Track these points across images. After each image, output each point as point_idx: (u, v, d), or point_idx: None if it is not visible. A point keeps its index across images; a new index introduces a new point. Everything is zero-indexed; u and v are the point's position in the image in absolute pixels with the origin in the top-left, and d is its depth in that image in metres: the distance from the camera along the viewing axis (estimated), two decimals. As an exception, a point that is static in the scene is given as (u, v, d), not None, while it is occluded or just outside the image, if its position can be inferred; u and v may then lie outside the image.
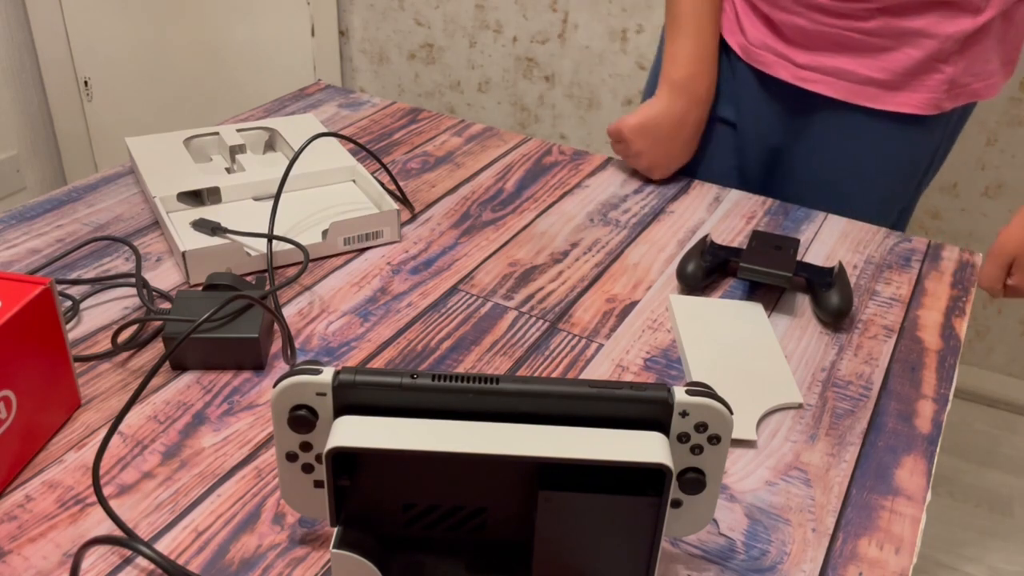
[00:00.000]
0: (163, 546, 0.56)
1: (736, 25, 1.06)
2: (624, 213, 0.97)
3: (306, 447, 0.51)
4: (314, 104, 1.18)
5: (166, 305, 0.78)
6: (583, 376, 0.72)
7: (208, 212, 0.88)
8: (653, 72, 1.18)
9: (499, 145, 1.11)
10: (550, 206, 0.97)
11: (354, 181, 0.96)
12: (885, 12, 0.94)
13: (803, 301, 0.83)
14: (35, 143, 2.43)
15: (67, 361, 0.64)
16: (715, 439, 0.49)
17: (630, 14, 2.00)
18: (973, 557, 1.64)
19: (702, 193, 1.02)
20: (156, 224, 0.90)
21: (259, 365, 0.71)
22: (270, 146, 1.04)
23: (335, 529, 0.50)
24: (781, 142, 1.09)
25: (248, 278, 0.82)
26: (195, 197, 0.90)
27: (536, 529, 0.48)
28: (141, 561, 0.54)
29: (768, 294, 0.84)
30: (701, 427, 0.49)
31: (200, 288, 0.80)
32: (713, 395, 0.48)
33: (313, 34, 2.26)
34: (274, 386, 0.49)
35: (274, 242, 0.83)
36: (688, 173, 1.13)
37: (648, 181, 1.04)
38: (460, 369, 0.72)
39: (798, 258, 0.90)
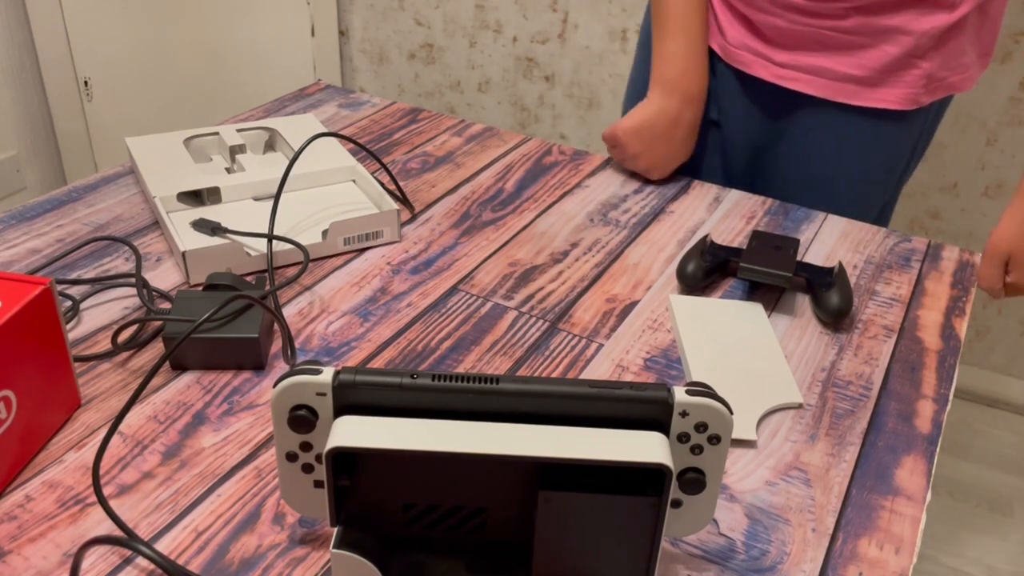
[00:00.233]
0: (163, 546, 0.56)
1: (715, 26, 1.07)
2: (624, 213, 0.97)
3: (306, 447, 0.51)
4: (314, 104, 1.18)
5: (166, 305, 0.78)
6: (583, 376, 0.72)
7: (208, 212, 0.88)
8: (632, 78, 1.19)
9: (499, 145, 1.11)
10: (550, 206, 0.97)
11: (354, 181, 0.96)
12: (861, 11, 0.95)
13: (803, 301, 0.83)
14: (35, 143, 2.43)
15: (67, 361, 0.64)
16: (715, 439, 0.49)
17: (630, 14, 2.00)
18: (973, 557, 1.64)
19: (702, 193, 1.02)
20: (156, 224, 0.90)
21: (259, 365, 0.71)
22: (270, 146, 1.04)
23: (335, 529, 0.50)
24: (763, 140, 1.10)
25: (248, 278, 0.82)
26: (195, 197, 0.90)
27: (536, 529, 0.48)
28: (141, 561, 0.54)
29: (768, 294, 0.84)
30: (701, 427, 0.49)
31: (200, 288, 0.80)
32: (713, 395, 0.48)
33: (313, 34, 2.26)
34: (274, 386, 0.49)
35: (274, 242, 0.83)
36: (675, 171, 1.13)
37: (648, 181, 1.04)
38: (460, 369, 0.72)
39: (798, 258, 0.90)
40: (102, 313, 0.77)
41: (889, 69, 0.98)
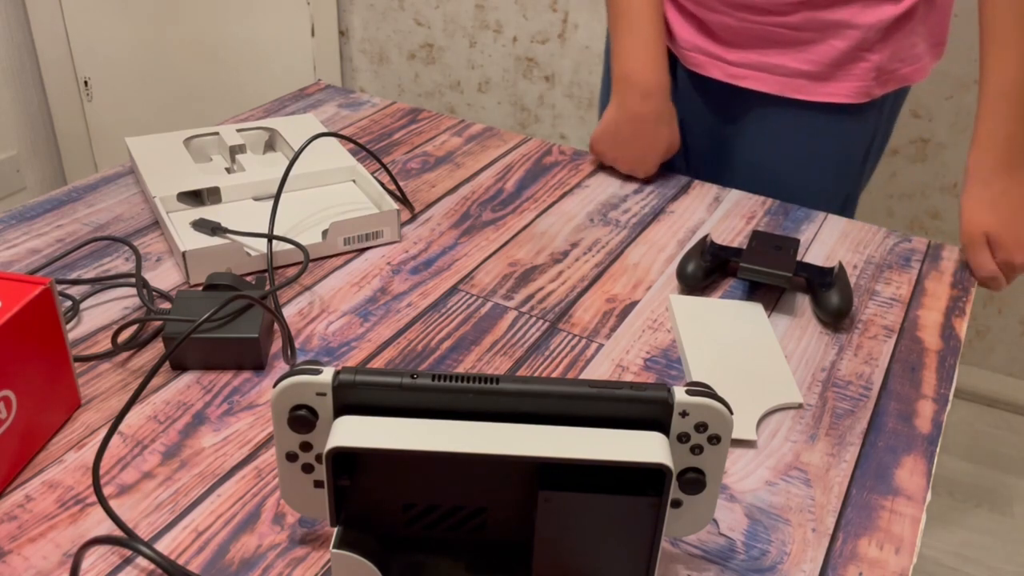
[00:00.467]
0: (163, 546, 0.56)
1: (667, 29, 1.08)
2: (624, 213, 0.97)
3: (306, 447, 0.51)
4: (314, 104, 1.18)
5: (166, 305, 0.78)
6: (583, 376, 0.72)
7: (208, 212, 0.88)
8: (603, 83, 1.21)
9: (499, 145, 1.11)
10: (550, 206, 0.97)
11: (354, 181, 0.96)
12: (807, 6, 0.96)
13: (803, 301, 0.83)
14: (35, 143, 2.43)
15: (67, 361, 0.64)
16: (715, 439, 0.49)
17: (630, 14, 1.99)
18: (973, 557, 1.64)
19: (702, 193, 1.02)
20: (156, 224, 0.90)
21: (259, 365, 0.71)
22: (270, 146, 1.04)
23: (335, 529, 0.50)
24: (721, 139, 1.11)
25: (248, 278, 0.82)
26: (195, 197, 0.90)
27: (536, 529, 0.48)
28: (141, 561, 0.54)
29: (768, 294, 0.84)
30: (701, 427, 0.49)
31: (200, 288, 0.80)
32: (713, 395, 0.48)
33: (313, 34, 2.26)
34: (274, 386, 0.49)
35: (274, 242, 0.83)
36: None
37: (648, 181, 1.04)
38: (460, 369, 0.72)
39: (798, 258, 0.90)
40: (102, 313, 0.77)
41: (838, 63, 0.99)
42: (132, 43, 2.34)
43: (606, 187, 1.02)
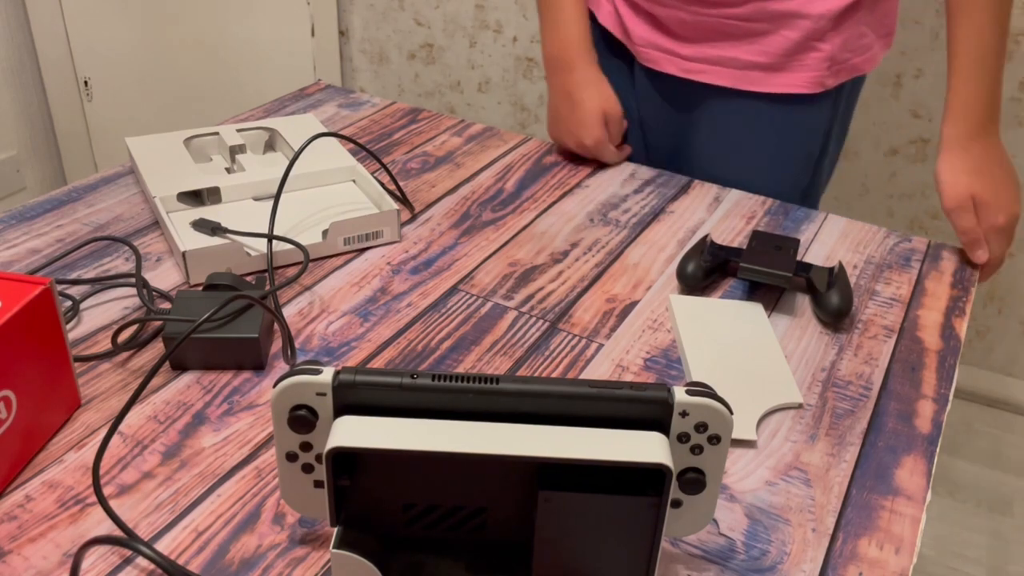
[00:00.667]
0: (163, 546, 0.56)
1: (620, 27, 1.10)
2: (624, 213, 0.97)
3: (306, 447, 0.51)
4: (314, 104, 1.18)
5: (166, 305, 0.78)
6: (583, 376, 0.72)
7: (208, 212, 0.88)
8: None
9: (499, 145, 1.11)
10: (550, 206, 0.97)
11: (354, 181, 0.96)
12: None
13: (803, 301, 0.83)
14: (35, 143, 2.43)
15: (67, 361, 0.64)
16: (715, 439, 0.49)
17: (630, 14, 2.00)
18: (973, 557, 1.64)
19: (702, 193, 1.02)
20: (156, 224, 0.90)
21: (259, 365, 0.71)
22: (270, 146, 1.04)
23: (335, 529, 0.50)
24: (680, 134, 1.12)
25: (248, 278, 0.82)
26: (195, 197, 0.90)
27: (536, 529, 0.48)
28: (141, 561, 0.54)
29: (768, 294, 0.84)
30: (701, 427, 0.49)
31: (200, 288, 0.80)
32: (713, 395, 0.48)
33: (313, 34, 2.26)
34: (274, 386, 0.49)
35: (274, 242, 0.83)
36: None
37: (648, 181, 1.04)
38: (460, 369, 0.72)
39: (798, 258, 0.90)
40: (102, 313, 0.77)
41: (790, 53, 1.00)
42: (132, 43, 2.34)
43: (606, 187, 1.02)
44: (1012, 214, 0.90)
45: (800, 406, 0.70)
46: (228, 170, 0.96)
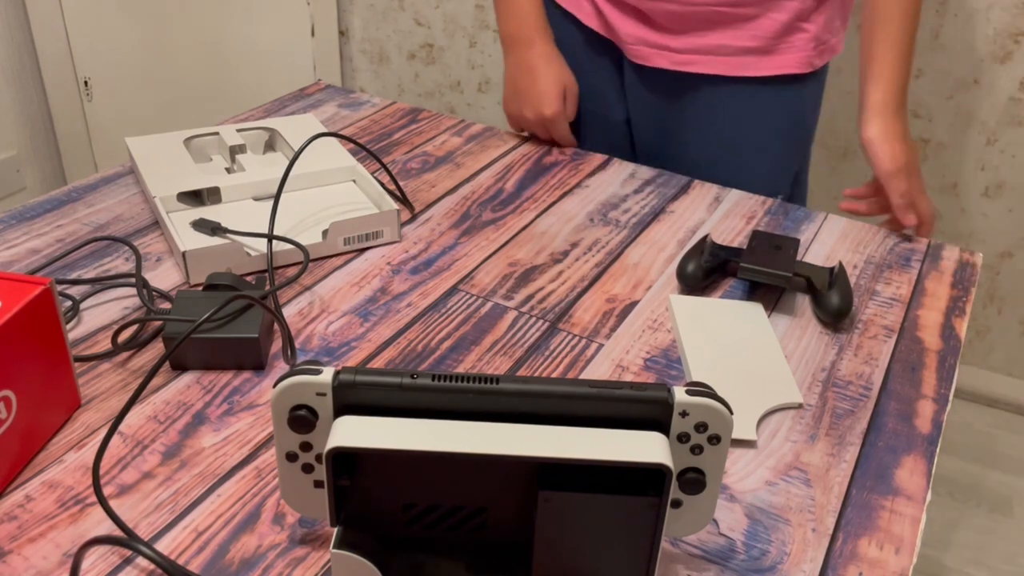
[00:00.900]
0: (163, 546, 0.56)
1: (606, 26, 1.11)
2: (624, 213, 0.97)
3: (306, 447, 0.51)
4: (314, 104, 1.18)
5: (166, 305, 0.78)
6: (583, 376, 0.72)
7: (208, 212, 0.88)
8: None
9: (499, 145, 1.11)
10: (550, 206, 0.97)
11: (354, 181, 0.96)
12: None
13: (803, 301, 0.83)
14: (35, 143, 2.43)
15: (67, 361, 0.64)
16: (715, 439, 0.49)
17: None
18: (973, 557, 1.64)
19: (702, 193, 1.02)
20: (156, 224, 0.90)
21: (259, 365, 0.71)
22: (270, 146, 1.04)
23: (335, 529, 0.50)
24: (671, 127, 1.13)
25: (248, 278, 0.82)
26: (195, 197, 0.90)
27: (536, 529, 0.48)
28: (141, 561, 0.54)
29: (768, 294, 0.84)
30: (701, 427, 0.49)
31: (200, 288, 0.80)
32: (713, 395, 0.48)
33: (313, 34, 2.26)
34: (274, 386, 0.49)
35: (274, 242, 0.83)
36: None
37: (648, 181, 1.04)
38: (460, 369, 0.72)
39: (798, 258, 0.90)
40: (102, 313, 0.77)
41: (780, 35, 1.03)
42: (132, 43, 2.34)
43: (606, 187, 1.02)
44: (921, 177, 0.98)
45: (800, 406, 0.70)
46: (228, 170, 0.96)
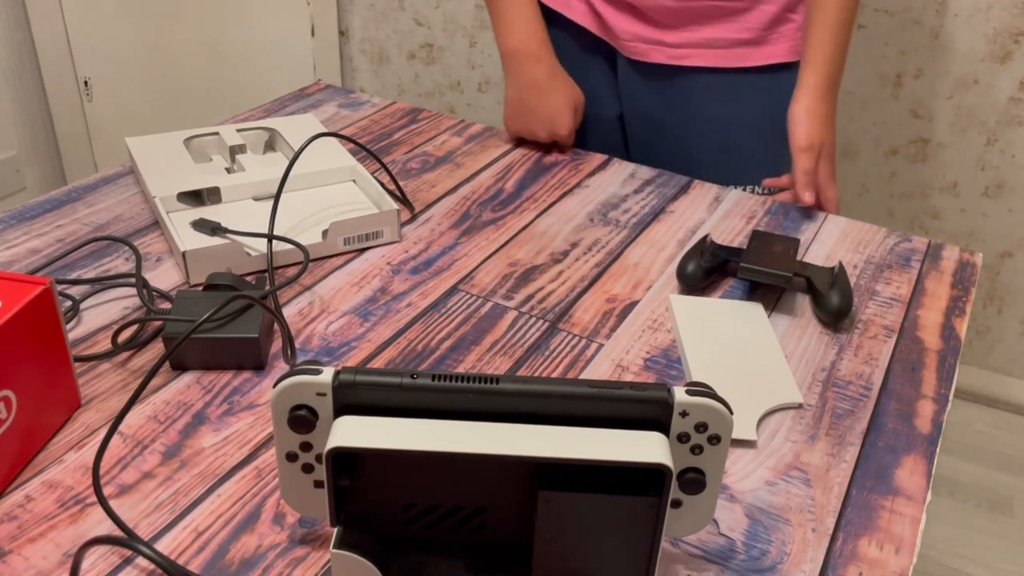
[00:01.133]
0: (163, 546, 0.56)
1: (600, 24, 1.13)
2: (624, 213, 0.97)
3: (306, 447, 0.51)
4: (314, 104, 1.18)
5: (166, 305, 0.78)
6: (583, 376, 0.72)
7: (208, 212, 0.88)
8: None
9: (499, 145, 1.11)
10: (550, 206, 0.97)
11: (354, 181, 0.96)
12: None
13: (803, 301, 0.83)
14: (35, 143, 2.43)
15: (67, 361, 0.64)
16: (715, 439, 0.49)
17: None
18: (973, 557, 1.64)
19: (702, 193, 1.02)
20: (156, 224, 0.90)
21: (259, 365, 0.71)
22: (270, 146, 1.04)
23: (335, 529, 0.50)
24: (668, 119, 1.14)
25: (248, 278, 0.82)
26: (195, 197, 0.90)
27: (536, 529, 0.48)
28: (141, 561, 0.54)
29: (768, 294, 0.84)
30: (701, 427, 0.49)
31: (200, 288, 0.80)
32: (713, 395, 0.48)
33: (313, 34, 2.26)
34: (274, 386, 0.49)
35: (274, 242, 0.83)
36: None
37: (648, 181, 1.04)
38: (460, 369, 0.72)
39: (798, 258, 0.90)
40: (102, 313, 0.77)
41: (770, 26, 1.06)
42: (132, 43, 2.34)
43: (606, 187, 1.02)
44: (835, 164, 1.02)
45: (800, 406, 0.70)
46: (228, 170, 0.96)
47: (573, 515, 0.48)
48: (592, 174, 1.05)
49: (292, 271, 0.84)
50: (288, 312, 0.78)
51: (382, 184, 0.92)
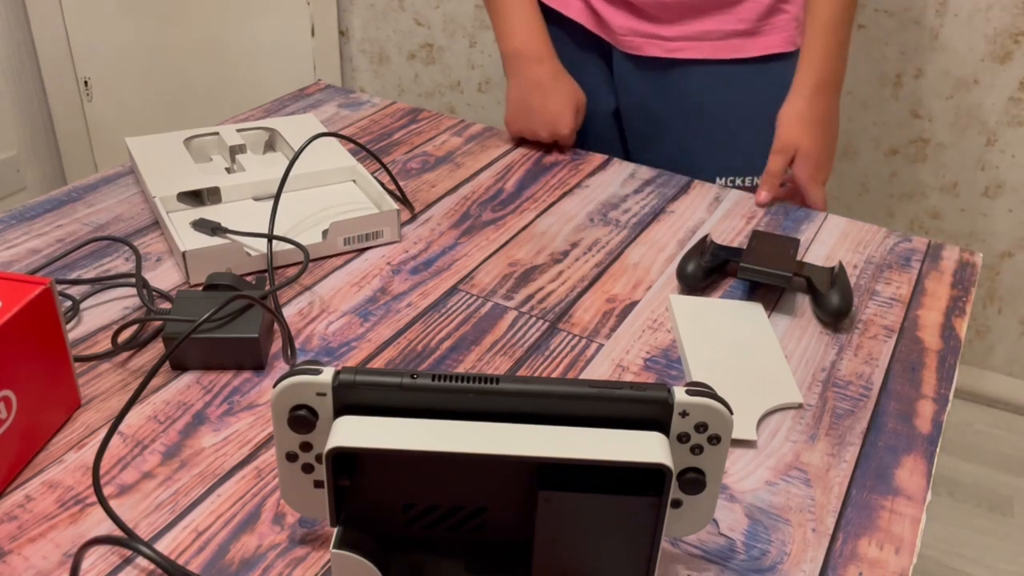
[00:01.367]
0: (163, 546, 0.56)
1: (595, 20, 1.13)
2: (624, 213, 0.97)
3: (306, 447, 0.51)
4: (314, 104, 1.18)
5: (166, 305, 0.78)
6: (583, 376, 0.72)
7: (208, 212, 0.88)
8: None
9: (499, 145, 1.11)
10: (550, 206, 0.97)
11: (354, 181, 0.96)
12: None
13: (803, 301, 0.83)
14: (35, 143, 2.43)
15: (67, 361, 0.64)
16: (715, 439, 0.49)
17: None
18: (973, 557, 1.64)
19: (702, 193, 1.02)
20: (156, 224, 0.90)
21: (259, 365, 0.71)
22: (270, 146, 1.04)
23: (335, 529, 0.50)
24: (664, 112, 1.15)
25: (248, 278, 0.82)
26: (195, 197, 0.90)
27: (536, 529, 0.48)
28: (141, 561, 0.54)
29: (768, 294, 0.84)
30: (701, 427, 0.49)
31: (200, 288, 0.80)
32: (713, 395, 0.48)
33: (313, 34, 2.26)
34: (274, 386, 0.49)
35: (274, 242, 0.83)
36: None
37: (648, 181, 1.04)
38: (460, 369, 0.72)
39: (798, 258, 0.90)
40: (102, 313, 0.77)
41: (764, 17, 1.08)
42: (132, 43, 2.34)
43: (606, 187, 1.02)
44: (828, 170, 1.04)
45: (800, 406, 0.70)
46: (228, 170, 0.96)
47: (573, 515, 0.48)
48: (592, 174, 1.05)
49: (292, 271, 0.84)
50: (288, 312, 0.78)
51: (382, 184, 0.92)
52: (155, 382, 0.69)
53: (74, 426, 0.65)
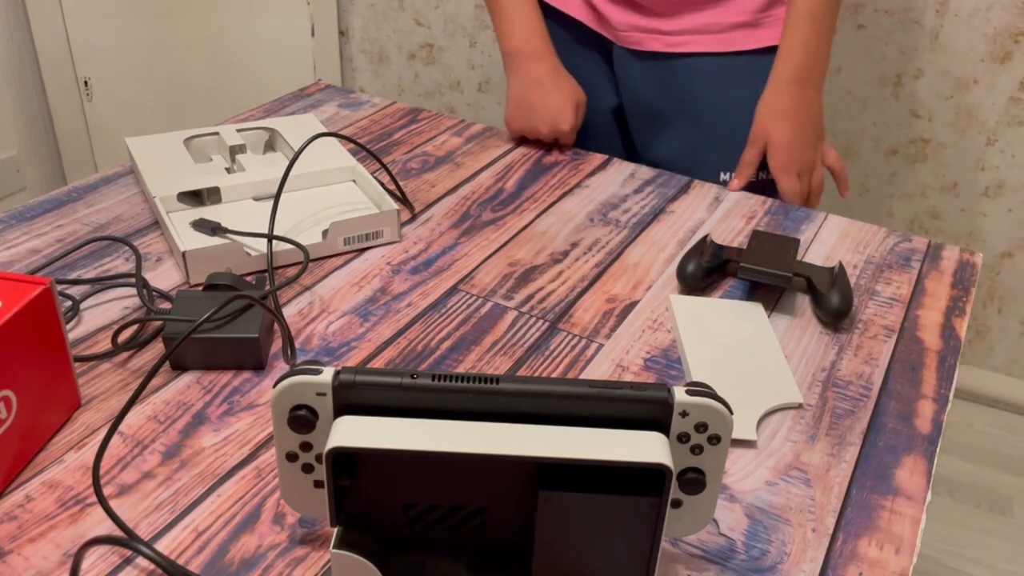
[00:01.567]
0: (163, 546, 0.56)
1: (594, 16, 1.13)
2: (624, 213, 0.97)
3: (306, 447, 0.51)
4: (314, 104, 1.18)
5: (166, 305, 0.78)
6: (583, 376, 0.72)
7: (208, 212, 0.88)
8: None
9: (499, 145, 1.11)
10: (550, 206, 0.97)
11: (354, 181, 0.96)
12: None
13: (803, 301, 0.83)
14: (35, 143, 2.43)
15: (67, 361, 0.64)
16: (715, 439, 0.49)
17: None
18: (973, 557, 1.64)
19: (702, 193, 1.02)
20: (156, 224, 0.90)
21: (259, 365, 0.71)
22: (270, 146, 1.04)
23: (335, 529, 0.50)
24: (667, 107, 1.15)
25: (248, 278, 0.82)
26: (195, 197, 0.90)
27: (536, 529, 0.48)
28: (141, 561, 0.54)
29: (768, 294, 0.84)
30: (701, 427, 0.49)
31: (200, 288, 0.80)
32: (713, 395, 0.48)
33: (313, 34, 2.25)
34: (274, 386, 0.49)
35: (274, 242, 0.83)
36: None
37: (648, 181, 1.04)
38: (460, 369, 0.72)
39: (798, 258, 0.90)
40: (102, 313, 0.77)
41: (764, 9, 1.08)
42: (132, 43, 2.34)
43: (606, 187, 1.02)
44: (803, 161, 1.03)
45: (800, 406, 0.70)
46: (228, 170, 0.96)
47: (573, 515, 0.48)
48: (592, 174, 1.05)
49: (292, 271, 0.84)
50: (288, 312, 0.78)
51: (382, 184, 0.92)
52: (155, 382, 0.69)
53: (74, 426, 0.65)
